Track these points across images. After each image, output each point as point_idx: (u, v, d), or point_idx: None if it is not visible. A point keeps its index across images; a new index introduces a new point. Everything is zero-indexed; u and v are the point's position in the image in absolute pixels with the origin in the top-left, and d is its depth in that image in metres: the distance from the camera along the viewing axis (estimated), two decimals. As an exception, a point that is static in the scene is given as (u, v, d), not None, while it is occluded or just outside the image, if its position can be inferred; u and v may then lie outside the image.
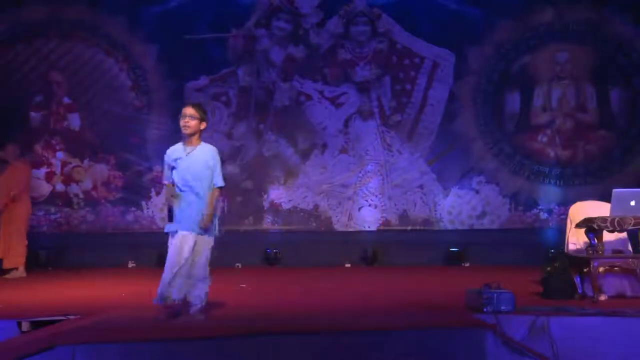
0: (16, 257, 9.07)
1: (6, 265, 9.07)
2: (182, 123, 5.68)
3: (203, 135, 5.82)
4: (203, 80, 10.80)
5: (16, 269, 9.06)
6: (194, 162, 5.64)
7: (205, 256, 5.63)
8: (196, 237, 5.56)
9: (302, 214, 10.82)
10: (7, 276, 8.98)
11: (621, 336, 5.41)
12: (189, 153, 5.68)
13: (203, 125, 5.71)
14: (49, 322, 5.61)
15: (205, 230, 5.59)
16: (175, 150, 5.73)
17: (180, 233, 5.54)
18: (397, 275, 9.29)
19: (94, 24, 10.74)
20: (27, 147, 10.64)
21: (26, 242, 9.17)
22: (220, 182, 5.69)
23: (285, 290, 7.88)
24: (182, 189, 5.62)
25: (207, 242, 5.65)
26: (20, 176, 9.17)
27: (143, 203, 10.74)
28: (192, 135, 5.68)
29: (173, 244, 5.57)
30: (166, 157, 5.73)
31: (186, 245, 5.53)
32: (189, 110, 5.68)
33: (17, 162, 9.25)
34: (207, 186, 5.64)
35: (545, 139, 10.82)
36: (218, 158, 5.74)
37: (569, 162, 10.76)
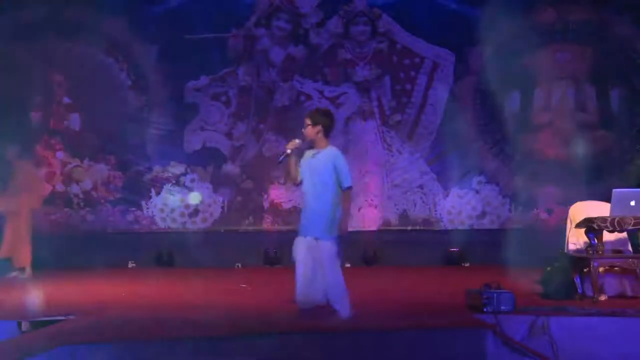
0: (23, 258, 9.06)
1: (16, 264, 9.08)
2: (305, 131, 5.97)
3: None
4: (203, 80, 10.79)
5: (23, 269, 9.06)
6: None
7: None
8: None
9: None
10: (15, 275, 9.01)
11: (621, 336, 5.41)
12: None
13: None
14: (49, 322, 5.61)
15: None
16: None
17: None
18: (397, 275, 9.28)
19: (94, 24, 10.72)
20: (27, 147, 10.64)
21: (30, 242, 9.15)
22: None
23: (285, 290, 7.87)
24: None
25: None
26: (22, 177, 9.15)
27: (143, 203, 10.74)
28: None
29: None
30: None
31: None
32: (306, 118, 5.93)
33: (19, 163, 9.25)
34: None
35: (545, 139, 10.81)
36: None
37: (569, 162, 10.75)
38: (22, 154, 9.56)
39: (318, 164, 5.78)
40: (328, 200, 5.69)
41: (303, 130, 5.87)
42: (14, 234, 9.02)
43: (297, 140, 5.81)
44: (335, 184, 5.77)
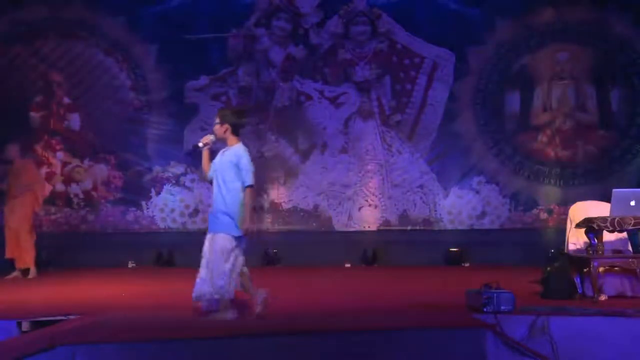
0: (27, 257, 9.01)
1: (20, 265, 9.01)
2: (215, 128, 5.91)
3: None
4: (203, 80, 10.79)
5: (27, 270, 9.01)
6: None
7: None
8: None
9: (302, 214, 10.82)
10: (16, 275, 8.98)
11: (621, 336, 5.41)
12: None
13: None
14: (49, 322, 5.61)
15: None
16: None
17: None
18: (397, 275, 9.28)
19: (93, 24, 10.74)
20: (27, 147, 10.64)
21: (34, 242, 9.10)
22: None
23: (285, 290, 7.87)
24: None
25: None
26: (25, 175, 9.11)
27: (143, 203, 10.74)
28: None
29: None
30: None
31: None
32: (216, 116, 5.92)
33: (21, 162, 9.22)
34: None
35: (545, 139, 10.82)
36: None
37: (569, 162, 10.76)
38: (24, 153, 9.56)
39: (224, 161, 5.77)
40: (232, 198, 5.67)
41: (215, 128, 5.84)
42: (18, 234, 8.97)
43: (210, 136, 5.82)
44: (240, 182, 5.73)
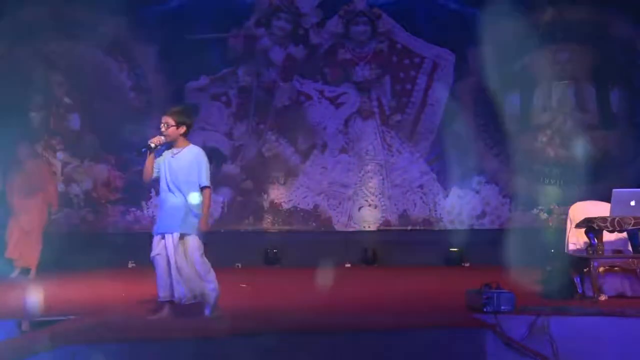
0: (32, 258, 8.95)
1: (21, 264, 8.95)
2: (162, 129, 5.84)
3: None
4: (203, 80, 10.79)
5: (28, 270, 8.97)
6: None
7: None
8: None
9: (302, 214, 10.82)
10: (16, 275, 8.92)
11: (621, 336, 5.41)
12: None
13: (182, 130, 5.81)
14: (49, 322, 5.61)
15: None
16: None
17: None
18: (397, 275, 9.28)
19: (94, 24, 10.73)
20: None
21: (40, 245, 9.06)
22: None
23: (285, 290, 7.88)
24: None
25: None
26: (37, 176, 9.04)
27: (143, 203, 10.74)
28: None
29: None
30: None
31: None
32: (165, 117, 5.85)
33: (32, 162, 9.16)
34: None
35: (545, 139, 10.82)
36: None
37: (569, 162, 10.76)
38: (35, 153, 9.53)
39: (181, 163, 5.75)
40: (197, 198, 5.71)
41: (164, 130, 5.76)
42: (23, 234, 8.90)
43: (161, 138, 5.77)
44: (197, 183, 5.74)
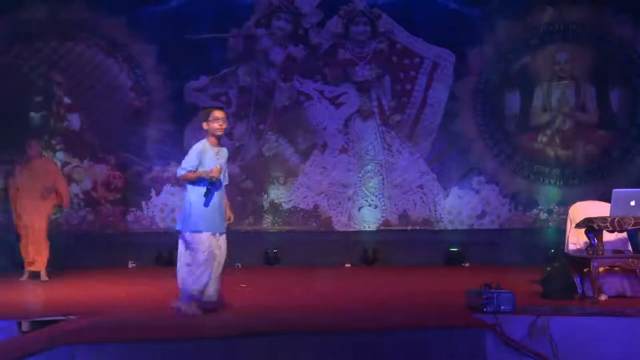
0: (43, 260, 8.76)
1: (37, 267, 8.72)
2: (221, 125, 5.94)
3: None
4: (203, 80, 10.79)
5: (39, 272, 8.75)
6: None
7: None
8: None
9: (302, 214, 10.82)
10: (25, 279, 8.70)
11: (621, 336, 5.41)
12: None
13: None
14: (49, 322, 5.61)
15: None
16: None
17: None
18: (397, 275, 9.29)
19: (94, 24, 10.73)
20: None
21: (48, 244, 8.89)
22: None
23: (285, 290, 7.88)
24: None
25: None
26: (48, 175, 8.85)
27: (143, 203, 10.74)
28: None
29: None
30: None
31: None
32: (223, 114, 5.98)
33: (41, 161, 9.00)
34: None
35: (545, 139, 10.82)
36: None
37: (569, 162, 10.76)
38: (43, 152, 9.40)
39: (223, 162, 6.02)
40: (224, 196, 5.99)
41: (225, 125, 5.98)
42: (39, 235, 8.71)
43: (219, 167, 5.93)
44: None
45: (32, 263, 8.73)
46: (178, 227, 5.97)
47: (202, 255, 5.81)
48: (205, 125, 6.02)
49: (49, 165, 9.11)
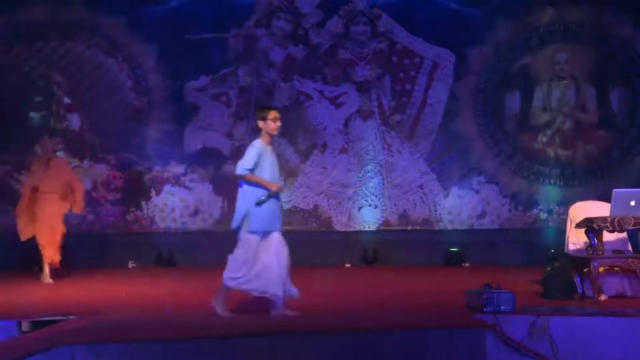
0: (56, 257, 8.56)
1: (56, 266, 8.55)
2: (277, 125, 6.05)
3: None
4: (203, 80, 10.79)
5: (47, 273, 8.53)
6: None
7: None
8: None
9: (302, 214, 10.82)
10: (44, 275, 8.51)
11: (621, 336, 5.42)
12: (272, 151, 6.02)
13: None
14: (49, 322, 5.61)
15: None
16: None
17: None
18: (397, 275, 9.28)
19: (94, 24, 10.73)
20: (27, 147, 10.64)
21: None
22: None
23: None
24: None
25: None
26: (64, 173, 8.70)
27: (143, 203, 10.73)
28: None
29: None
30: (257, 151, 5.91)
31: None
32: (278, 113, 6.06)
33: (56, 158, 8.85)
34: None
35: (545, 139, 10.82)
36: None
37: (569, 162, 10.76)
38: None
39: (275, 160, 6.08)
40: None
41: (278, 125, 6.07)
42: (54, 232, 8.52)
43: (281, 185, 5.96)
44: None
45: (51, 263, 8.52)
46: (233, 225, 5.92)
47: (244, 253, 5.79)
48: (261, 125, 6.07)
49: (63, 164, 8.96)
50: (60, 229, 8.58)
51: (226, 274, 5.81)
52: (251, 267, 5.76)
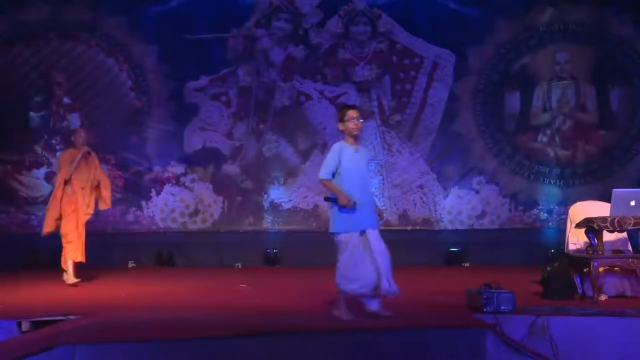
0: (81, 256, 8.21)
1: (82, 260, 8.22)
2: (356, 124, 5.89)
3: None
4: (203, 80, 10.79)
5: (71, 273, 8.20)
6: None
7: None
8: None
9: (302, 214, 10.82)
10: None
11: (621, 336, 5.42)
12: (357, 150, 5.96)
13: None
14: (49, 322, 5.61)
15: None
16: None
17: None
18: (397, 275, 9.25)
19: (94, 24, 10.73)
20: (27, 147, 10.65)
21: None
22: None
23: (285, 290, 7.88)
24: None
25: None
26: (95, 169, 8.35)
27: (143, 203, 10.73)
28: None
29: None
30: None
31: None
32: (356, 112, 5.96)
33: (89, 149, 8.35)
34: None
35: (545, 139, 10.82)
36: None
37: (569, 162, 10.76)
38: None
39: (362, 160, 5.97)
40: (372, 193, 5.95)
41: (357, 124, 5.91)
42: (81, 235, 8.21)
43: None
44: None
45: (77, 262, 8.20)
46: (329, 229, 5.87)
47: (345, 255, 5.72)
48: (341, 126, 6.00)
49: (94, 158, 8.42)
50: (83, 227, 8.27)
51: (337, 279, 5.70)
52: (356, 270, 5.65)
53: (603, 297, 6.40)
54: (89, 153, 8.30)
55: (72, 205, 8.17)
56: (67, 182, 8.17)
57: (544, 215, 10.72)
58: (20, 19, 10.74)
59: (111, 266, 10.00)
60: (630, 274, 6.57)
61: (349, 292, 5.66)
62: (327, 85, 10.87)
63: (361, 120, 5.94)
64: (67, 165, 8.18)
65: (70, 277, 8.14)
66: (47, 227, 8.25)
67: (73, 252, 8.13)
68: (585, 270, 6.43)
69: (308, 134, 10.87)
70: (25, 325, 5.59)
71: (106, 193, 8.43)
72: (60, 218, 8.18)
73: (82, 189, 8.22)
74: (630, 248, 6.78)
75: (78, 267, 8.27)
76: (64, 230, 8.15)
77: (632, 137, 10.74)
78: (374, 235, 5.82)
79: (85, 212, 8.27)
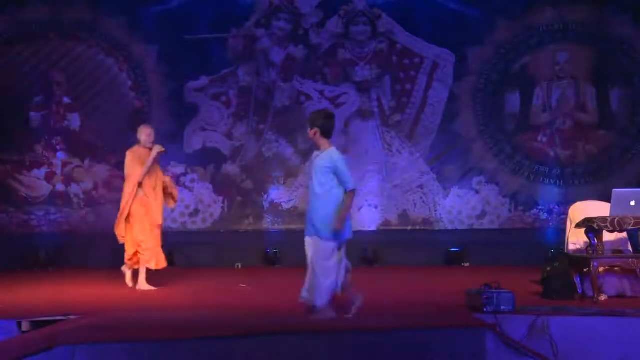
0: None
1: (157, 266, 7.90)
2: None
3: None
4: (203, 80, 10.79)
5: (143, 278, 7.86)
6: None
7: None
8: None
9: (302, 214, 10.80)
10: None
11: (621, 336, 5.42)
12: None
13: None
14: (49, 322, 5.61)
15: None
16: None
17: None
18: (397, 275, 9.28)
19: (94, 24, 10.73)
20: (27, 147, 10.64)
21: None
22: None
23: (285, 290, 7.88)
24: None
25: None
26: (158, 168, 8.01)
27: (143, 203, 10.72)
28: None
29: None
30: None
31: None
32: None
33: (159, 147, 7.90)
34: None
35: (545, 139, 10.82)
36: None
37: (569, 162, 10.76)
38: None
39: (318, 165, 5.98)
40: (327, 200, 5.72)
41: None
42: (159, 234, 7.93)
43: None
44: (336, 185, 5.90)
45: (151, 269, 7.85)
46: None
47: (332, 261, 6.12)
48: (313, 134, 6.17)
49: (157, 156, 7.96)
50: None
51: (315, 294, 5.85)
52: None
53: (603, 297, 6.41)
54: (151, 151, 7.77)
55: (144, 208, 7.74)
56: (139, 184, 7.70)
57: (544, 215, 10.72)
58: (20, 19, 10.74)
59: (111, 266, 9.99)
60: (630, 274, 6.57)
61: (329, 295, 5.81)
62: (327, 86, 10.87)
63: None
64: (138, 165, 7.72)
65: (142, 283, 7.79)
66: (122, 237, 7.94)
67: (148, 259, 7.77)
68: (585, 270, 6.43)
69: (308, 134, 10.85)
70: (25, 325, 5.59)
71: (175, 191, 8.15)
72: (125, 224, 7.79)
73: (155, 190, 7.79)
74: (630, 248, 6.78)
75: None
76: (140, 237, 7.76)
77: (632, 137, 10.73)
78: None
79: (161, 214, 7.86)
